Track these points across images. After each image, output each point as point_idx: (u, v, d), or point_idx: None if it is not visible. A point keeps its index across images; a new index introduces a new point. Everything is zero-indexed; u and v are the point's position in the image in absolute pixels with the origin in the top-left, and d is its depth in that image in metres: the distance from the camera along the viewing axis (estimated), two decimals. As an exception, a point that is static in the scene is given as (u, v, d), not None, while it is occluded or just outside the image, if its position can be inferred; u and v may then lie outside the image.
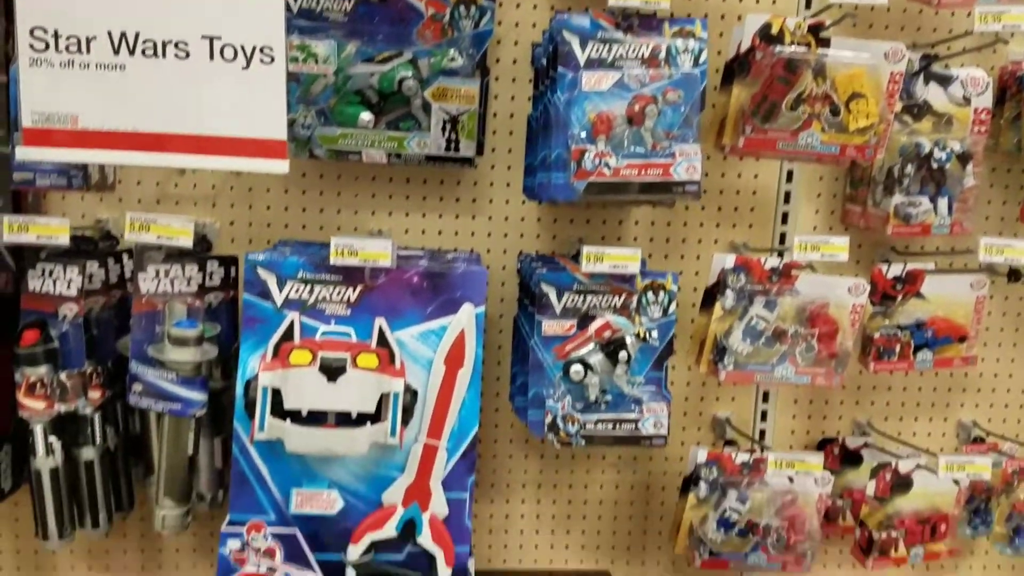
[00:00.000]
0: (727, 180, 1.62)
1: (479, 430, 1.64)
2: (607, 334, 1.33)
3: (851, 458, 1.65)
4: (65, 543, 1.33)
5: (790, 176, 1.59)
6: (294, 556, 1.22)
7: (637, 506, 1.72)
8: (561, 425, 1.34)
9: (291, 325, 1.23)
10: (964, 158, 1.46)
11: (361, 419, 1.21)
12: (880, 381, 1.71)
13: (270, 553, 1.21)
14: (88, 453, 1.32)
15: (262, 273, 1.23)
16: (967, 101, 1.50)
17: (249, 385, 1.20)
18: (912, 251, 1.64)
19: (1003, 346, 1.72)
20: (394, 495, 1.26)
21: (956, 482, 1.48)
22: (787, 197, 1.60)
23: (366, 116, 1.33)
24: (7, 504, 1.49)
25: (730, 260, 1.39)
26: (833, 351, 1.40)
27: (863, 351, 1.52)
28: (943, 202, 1.45)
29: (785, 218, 1.61)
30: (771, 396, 1.67)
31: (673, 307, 1.36)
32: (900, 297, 1.50)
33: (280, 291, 1.23)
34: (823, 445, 1.67)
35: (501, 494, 1.71)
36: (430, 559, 1.27)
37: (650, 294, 1.35)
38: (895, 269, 1.49)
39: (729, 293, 1.39)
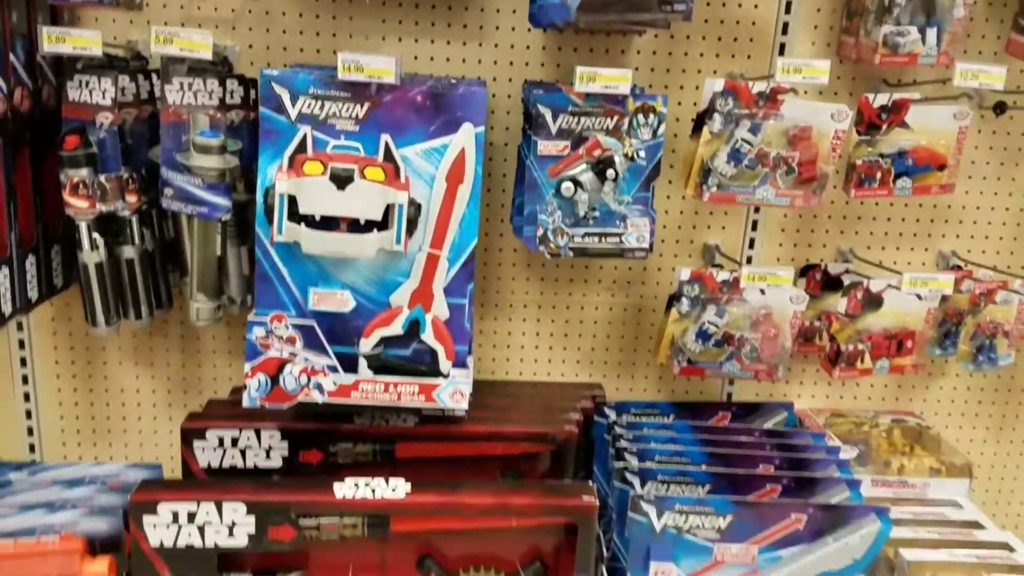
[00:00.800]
0: (727, 10, 1.66)
1: (485, 253, 1.79)
2: (597, 152, 1.43)
3: (832, 283, 1.76)
4: (112, 331, 1.51)
5: (788, 7, 1.63)
6: (312, 344, 1.38)
7: (628, 326, 1.87)
8: (551, 238, 1.46)
9: (304, 138, 1.34)
10: (955, -12, 1.48)
11: (369, 226, 1.34)
12: (865, 211, 1.80)
13: (291, 341, 1.37)
14: (128, 252, 1.48)
15: (276, 88, 1.33)
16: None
17: (267, 192, 1.33)
18: (904, 83, 1.68)
19: (987, 179, 1.79)
20: (400, 297, 1.40)
21: (920, 297, 1.59)
22: (785, 28, 1.64)
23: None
24: (61, 298, 1.68)
25: (719, 84, 1.46)
26: (813, 174, 1.48)
27: (846, 179, 1.60)
28: (932, 32, 1.48)
29: (783, 49, 1.65)
30: (759, 224, 1.77)
31: (662, 129, 1.45)
32: (885, 126, 1.55)
33: (293, 105, 1.33)
34: (806, 271, 1.78)
35: (504, 312, 1.85)
36: (433, 354, 1.42)
37: (641, 116, 1.43)
38: (881, 98, 1.55)
39: (717, 117, 1.46)
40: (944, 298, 1.66)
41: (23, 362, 1.76)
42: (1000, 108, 1.57)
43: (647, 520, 1.39)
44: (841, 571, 1.41)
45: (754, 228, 1.77)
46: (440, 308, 1.41)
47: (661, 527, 1.39)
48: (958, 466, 1.71)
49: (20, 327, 1.72)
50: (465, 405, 1.42)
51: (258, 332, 1.37)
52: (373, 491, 1.34)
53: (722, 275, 1.59)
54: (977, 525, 1.60)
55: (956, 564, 1.44)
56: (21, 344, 1.74)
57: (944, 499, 1.69)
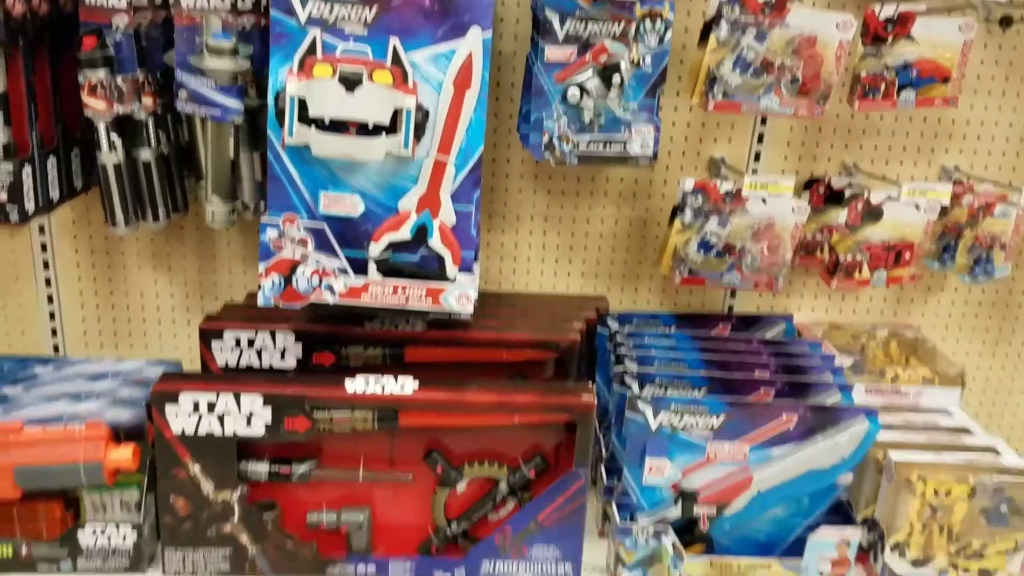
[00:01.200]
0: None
1: (492, 165, 1.82)
2: (603, 58, 1.45)
3: (835, 197, 1.78)
4: (131, 231, 1.56)
5: (800, -84, 1.62)
6: (323, 247, 1.42)
7: (633, 239, 1.90)
8: (557, 145, 1.49)
9: (313, 41, 1.36)
10: None
11: (377, 129, 1.37)
12: (869, 125, 1.81)
13: (303, 242, 1.42)
14: (145, 154, 1.52)
15: (285, -12, 1.35)
16: None
17: (278, 95, 1.36)
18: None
19: (992, 94, 1.79)
20: (408, 203, 1.44)
21: (918, 207, 1.62)
22: (794, -62, 1.63)
23: None
24: (80, 203, 1.74)
25: (726, -9, 1.47)
26: (817, 84, 1.50)
27: (850, 91, 1.61)
28: (940, -59, 1.48)
29: (793, -38, 1.65)
30: (764, 137, 1.79)
31: (669, 36, 1.46)
32: (890, 39, 1.56)
33: (303, 8, 1.35)
34: (809, 185, 1.80)
35: (511, 225, 1.89)
36: (440, 260, 1.46)
37: (648, 22, 1.45)
38: (887, 10, 1.55)
39: (724, 24, 1.47)
40: (944, 212, 1.68)
41: (45, 265, 1.82)
42: (1006, 22, 1.57)
43: (643, 419, 1.44)
44: (829, 469, 1.47)
45: (760, 141, 1.79)
46: (447, 214, 1.45)
47: (657, 425, 1.45)
48: (951, 375, 1.75)
49: (42, 231, 1.78)
50: (471, 309, 1.47)
51: (271, 233, 1.41)
52: (383, 387, 1.40)
53: (725, 186, 1.62)
54: (966, 431, 1.66)
55: (943, 465, 1.49)
56: (43, 247, 1.80)
57: (935, 407, 1.74)
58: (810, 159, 1.84)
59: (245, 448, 1.42)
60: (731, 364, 1.59)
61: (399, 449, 1.49)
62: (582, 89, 1.46)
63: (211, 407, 1.36)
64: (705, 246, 1.66)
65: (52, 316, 1.87)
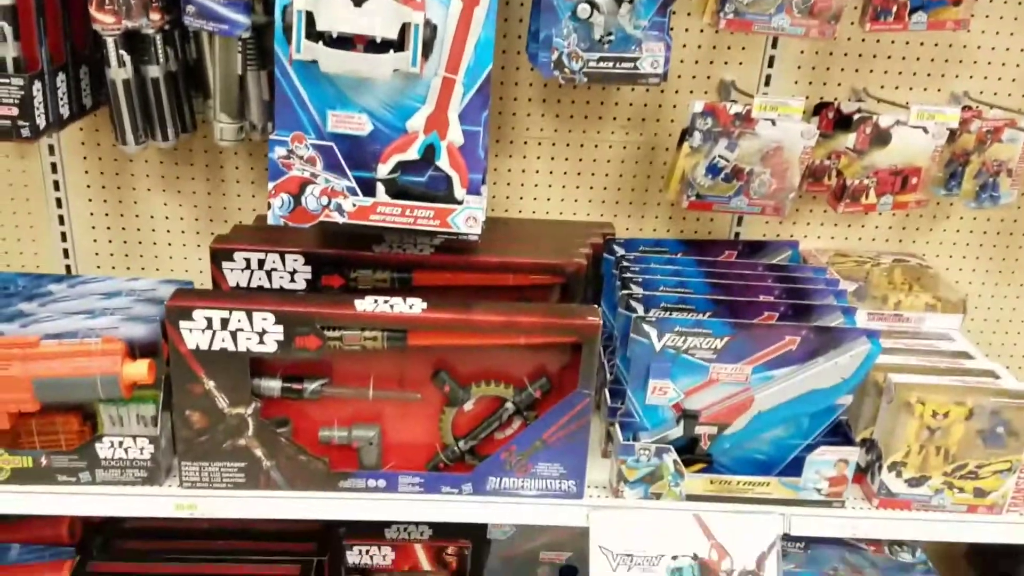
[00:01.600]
0: None
1: (501, 87, 1.81)
2: (614, -27, 1.43)
3: (845, 122, 1.77)
4: (140, 149, 1.57)
5: None
6: (332, 166, 1.43)
7: (641, 164, 1.90)
8: (566, 63, 1.48)
9: (321, -46, 1.35)
10: None
11: (385, 45, 1.36)
12: (880, 50, 1.79)
13: (311, 161, 1.42)
14: (154, 71, 1.52)
15: (290, -102, 1.32)
16: None
17: (285, 10, 1.34)
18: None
19: (1003, 19, 1.77)
20: (416, 123, 1.43)
21: (926, 131, 1.62)
22: None
23: None
24: (90, 124, 1.74)
25: (739, -93, 1.44)
26: (828, 4, 1.48)
27: (862, 12, 1.59)
28: None
29: None
30: (775, 61, 1.77)
31: (680, -48, 1.44)
32: (904, -41, 1.54)
33: (311, -80, 1.33)
34: (819, 109, 1.79)
35: (518, 149, 1.89)
36: (448, 181, 1.46)
37: (659, -64, 1.42)
38: (903, -71, 1.52)
39: (734, -57, 1.46)
40: (952, 136, 1.68)
41: (56, 185, 1.83)
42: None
43: (648, 341, 1.47)
44: (830, 390, 1.50)
45: (770, 64, 1.78)
46: (455, 134, 1.44)
47: (661, 347, 1.47)
48: (953, 302, 1.77)
49: (52, 151, 1.78)
50: (478, 230, 1.48)
51: (279, 152, 1.41)
52: (392, 307, 1.42)
53: (735, 108, 1.61)
54: (966, 355, 1.68)
55: (942, 387, 1.52)
56: (54, 167, 1.81)
57: (937, 332, 1.76)
58: (820, 84, 1.82)
59: (258, 365, 1.45)
60: (736, 288, 1.60)
61: (408, 369, 1.52)
62: (592, 4, 1.44)
63: (224, 323, 1.38)
64: (713, 170, 1.66)
65: (64, 237, 1.88)
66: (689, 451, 1.54)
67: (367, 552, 1.78)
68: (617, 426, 1.52)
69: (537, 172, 1.91)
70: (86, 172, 1.84)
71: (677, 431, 1.52)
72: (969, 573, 2.11)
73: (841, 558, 1.68)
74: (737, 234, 1.97)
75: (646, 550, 1.52)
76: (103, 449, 1.44)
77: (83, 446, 1.44)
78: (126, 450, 1.45)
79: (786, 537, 1.55)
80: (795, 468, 1.52)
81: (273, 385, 1.47)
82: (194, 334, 1.39)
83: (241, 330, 1.39)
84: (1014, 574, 1.96)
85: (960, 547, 2.15)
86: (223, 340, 1.40)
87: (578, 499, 1.52)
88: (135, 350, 1.43)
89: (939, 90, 1.83)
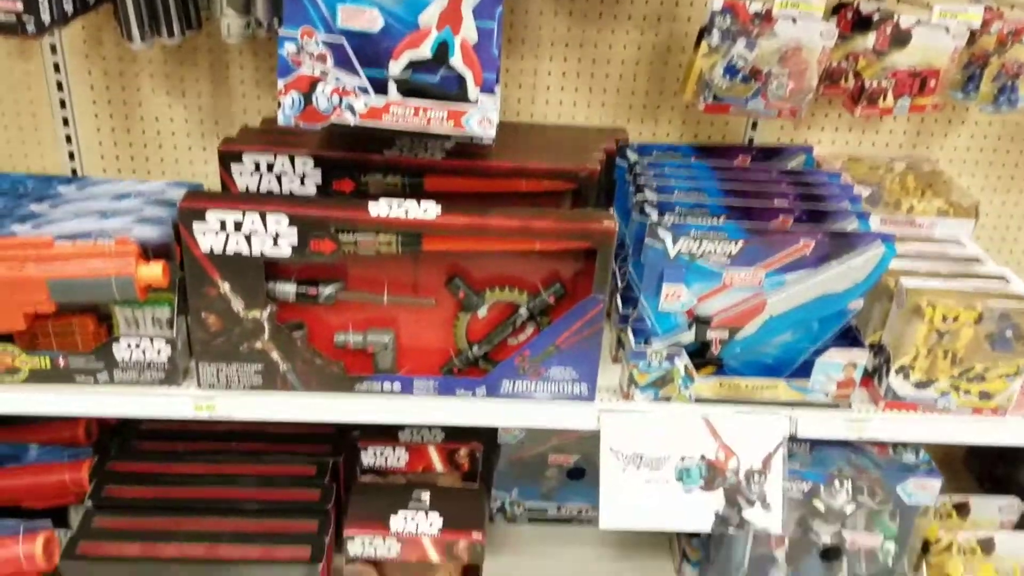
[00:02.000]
0: None
1: (513, -14, 1.76)
2: None
3: (863, 23, 1.72)
4: (146, 46, 1.53)
5: None
6: (343, 64, 1.38)
7: (655, 66, 1.86)
8: (585, -43, 1.43)
9: None
10: None
11: (397, -66, 1.31)
12: (905, -54, 1.74)
13: (322, 58, 1.38)
14: (158, -36, 1.48)
15: None
16: None
17: (294, -102, 1.30)
18: None
19: (1038, -88, 1.71)
20: (429, 17, 1.38)
21: (947, 30, 1.58)
22: None
23: None
24: (92, 24, 1.70)
25: None
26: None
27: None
28: None
29: None
30: (796, -41, 1.72)
31: None
32: None
33: None
34: (838, 9, 1.74)
35: (532, 52, 1.84)
36: (461, 81, 1.43)
37: None
38: None
39: None
40: (972, 38, 1.64)
41: (59, 86, 1.79)
42: None
43: (662, 246, 1.46)
44: (843, 293, 1.50)
45: (790, -37, 1.72)
46: (469, 30, 1.40)
47: (675, 252, 1.47)
48: (964, 207, 1.76)
49: (54, 50, 1.74)
50: (492, 132, 1.45)
51: (289, 48, 1.37)
52: (406, 211, 1.40)
53: (755, 6, 1.57)
54: (977, 260, 1.69)
55: (952, 292, 1.52)
56: (56, 67, 1.77)
57: (948, 237, 1.76)
58: (842, -16, 1.77)
59: (273, 269, 1.45)
60: (750, 193, 1.59)
61: (422, 274, 1.52)
62: None
63: (238, 226, 1.37)
64: (731, 70, 1.62)
65: (69, 139, 1.85)
66: (700, 355, 1.55)
67: (381, 453, 1.82)
68: (629, 331, 1.53)
69: (549, 73, 1.87)
70: (89, 73, 1.79)
71: (688, 336, 1.53)
72: (967, 477, 2.18)
73: (846, 459, 1.72)
74: (751, 139, 1.94)
75: (655, 451, 1.55)
76: (120, 350, 1.45)
77: (100, 347, 1.45)
78: (143, 351, 1.46)
79: (792, 439, 1.58)
80: (804, 372, 1.54)
81: (288, 289, 1.47)
82: (207, 236, 1.38)
83: (255, 232, 1.38)
84: (1010, 478, 2.02)
85: (959, 451, 2.20)
86: (237, 243, 1.39)
87: (590, 401, 1.54)
88: (148, 252, 1.42)
89: (963, -10, 1.78)
